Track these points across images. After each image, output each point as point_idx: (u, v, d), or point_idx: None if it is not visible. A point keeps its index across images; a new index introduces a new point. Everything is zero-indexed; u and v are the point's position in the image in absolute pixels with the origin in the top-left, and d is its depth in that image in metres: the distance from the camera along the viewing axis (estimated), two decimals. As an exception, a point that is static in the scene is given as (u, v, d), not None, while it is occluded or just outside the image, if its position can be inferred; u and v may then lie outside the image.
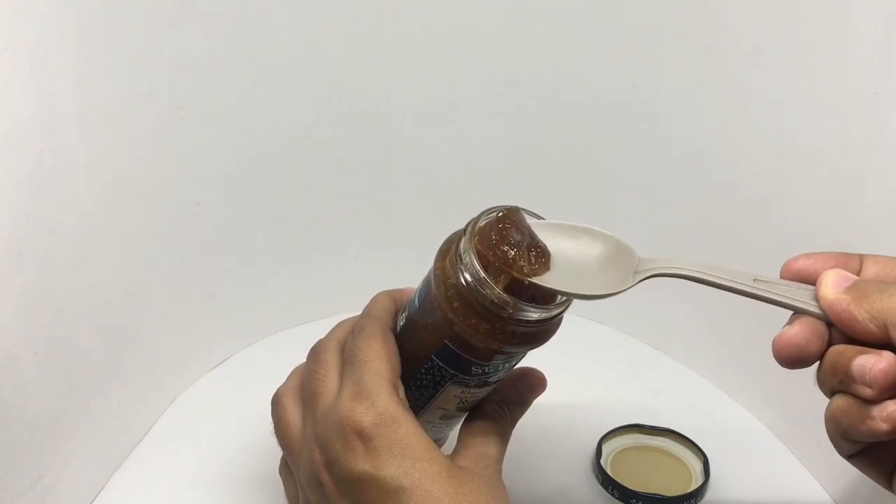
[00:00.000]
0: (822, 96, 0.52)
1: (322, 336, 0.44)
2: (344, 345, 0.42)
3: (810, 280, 0.35)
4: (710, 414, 0.63)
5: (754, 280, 0.35)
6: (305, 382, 0.41)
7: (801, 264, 0.36)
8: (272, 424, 0.43)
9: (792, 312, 0.36)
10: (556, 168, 0.70)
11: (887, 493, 0.38)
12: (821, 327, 0.34)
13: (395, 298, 0.44)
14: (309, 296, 0.71)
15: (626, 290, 0.37)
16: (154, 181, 0.56)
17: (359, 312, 0.45)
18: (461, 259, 0.37)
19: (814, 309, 0.34)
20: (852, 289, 0.33)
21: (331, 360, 0.41)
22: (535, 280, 0.37)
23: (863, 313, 0.32)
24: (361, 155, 0.67)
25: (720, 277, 0.36)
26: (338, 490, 0.37)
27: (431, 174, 0.70)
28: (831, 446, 0.57)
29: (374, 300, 0.44)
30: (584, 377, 0.63)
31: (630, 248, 0.38)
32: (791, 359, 0.34)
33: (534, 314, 0.37)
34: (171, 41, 0.55)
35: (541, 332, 0.39)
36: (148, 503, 0.53)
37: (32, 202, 0.44)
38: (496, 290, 0.37)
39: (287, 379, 0.44)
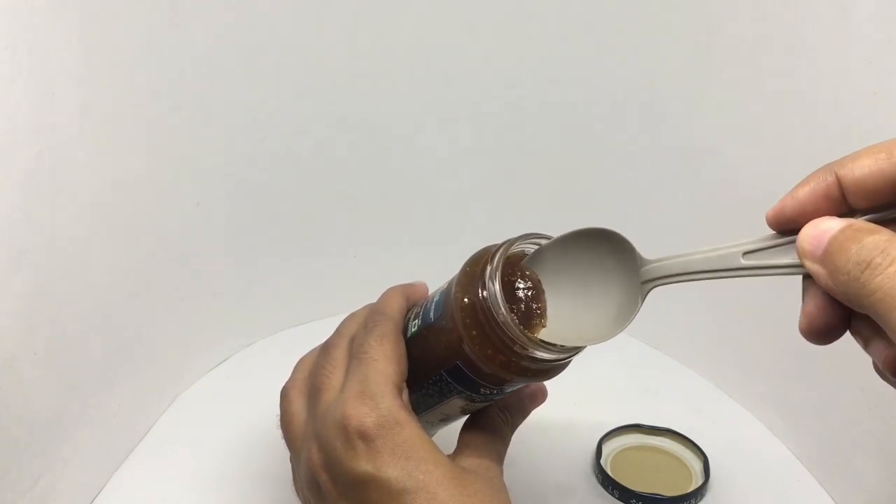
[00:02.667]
0: (822, 96, 0.52)
1: (323, 334, 0.44)
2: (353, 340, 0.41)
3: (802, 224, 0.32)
4: (710, 414, 0.63)
5: (744, 254, 0.33)
6: (312, 377, 0.41)
7: (789, 214, 0.32)
8: (278, 416, 0.43)
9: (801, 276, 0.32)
10: (556, 168, 0.70)
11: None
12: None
13: (407, 296, 0.43)
14: (309, 296, 0.71)
15: (637, 313, 0.36)
16: (154, 181, 0.56)
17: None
18: (484, 290, 0.36)
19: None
20: (825, 261, 0.30)
21: (339, 357, 0.41)
22: (542, 349, 0.36)
23: (840, 293, 0.29)
24: (361, 155, 0.67)
25: (707, 273, 0.33)
26: (336, 490, 0.37)
27: (431, 174, 0.70)
28: (831, 446, 0.57)
29: (387, 296, 0.43)
30: (584, 377, 0.62)
31: (631, 249, 0.36)
32: (826, 336, 0.31)
33: (551, 355, 0.37)
34: (171, 41, 0.55)
35: (553, 369, 0.39)
36: (148, 503, 0.53)
37: (32, 202, 0.44)
38: (518, 330, 0.36)
39: (294, 371, 0.44)
